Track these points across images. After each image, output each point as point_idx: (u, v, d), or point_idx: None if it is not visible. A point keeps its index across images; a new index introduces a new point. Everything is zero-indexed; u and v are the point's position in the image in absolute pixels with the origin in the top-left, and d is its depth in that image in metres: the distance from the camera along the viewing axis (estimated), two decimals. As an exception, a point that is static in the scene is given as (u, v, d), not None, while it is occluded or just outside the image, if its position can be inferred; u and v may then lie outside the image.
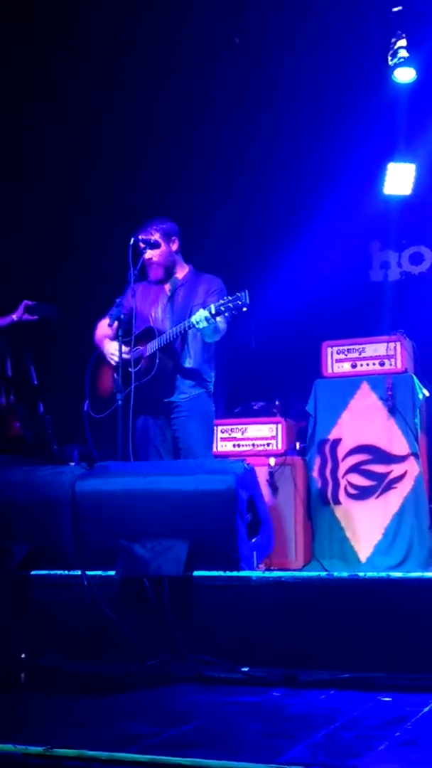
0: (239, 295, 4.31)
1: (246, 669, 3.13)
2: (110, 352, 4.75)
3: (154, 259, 4.78)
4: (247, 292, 4.33)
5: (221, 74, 6.88)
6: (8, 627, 3.53)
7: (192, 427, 4.67)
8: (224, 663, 3.14)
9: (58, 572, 3.61)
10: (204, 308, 4.40)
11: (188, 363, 4.72)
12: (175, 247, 4.85)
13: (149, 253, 4.75)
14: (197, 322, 4.39)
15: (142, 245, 4.68)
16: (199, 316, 4.38)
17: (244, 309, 4.33)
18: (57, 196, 7.00)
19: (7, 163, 6.50)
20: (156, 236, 4.76)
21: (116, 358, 4.62)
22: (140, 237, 4.70)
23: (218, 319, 4.43)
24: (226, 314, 4.40)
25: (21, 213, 6.70)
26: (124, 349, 4.54)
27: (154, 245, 4.74)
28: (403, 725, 2.34)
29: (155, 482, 3.68)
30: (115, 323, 4.58)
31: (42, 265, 6.94)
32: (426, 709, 2.54)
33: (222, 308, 4.33)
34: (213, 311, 4.35)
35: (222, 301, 4.35)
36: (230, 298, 4.34)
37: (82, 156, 6.91)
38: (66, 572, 3.59)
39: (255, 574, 3.39)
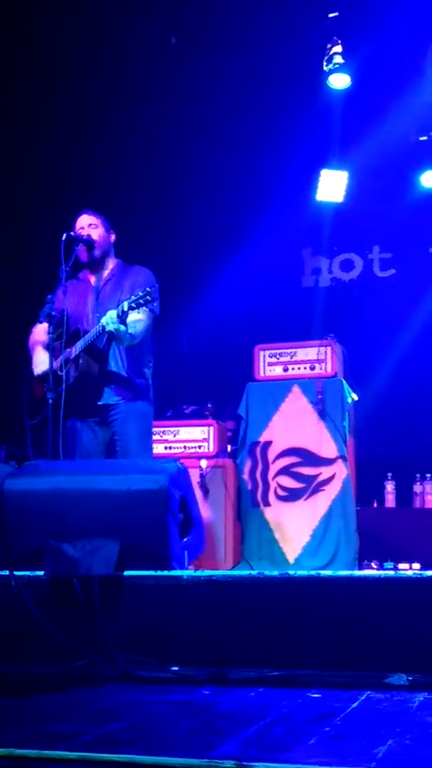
0: (149, 290, 4.28)
1: (176, 668, 3.12)
2: (37, 362, 4.68)
3: (95, 237, 4.73)
4: (157, 287, 4.42)
5: (157, 74, 6.87)
6: None
7: (129, 428, 4.61)
8: (153, 662, 3.12)
9: (-15, 572, 3.53)
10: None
11: (118, 362, 4.61)
12: (112, 238, 4.84)
13: (91, 231, 4.72)
14: (106, 324, 4.34)
15: (83, 224, 4.71)
16: (108, 317, 4.34)
17: (155, 303, 4.37)
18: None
19: None
20: (98, 221, 4.77)
21: (40, 369, 4.60)
22: (84, 213, 4.74)
23: (137, 316, 4.39)
24: (138, 310, 4.33)
25: None
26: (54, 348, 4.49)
27: (95, 227, 4.75)
28: (332, 720, 2.35)
29: (86, 481, 3.64)
30: (45, 322, 4.52)
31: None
32: (354, 705, 2.56)
33: (133, 304, 4.28)
34: (125, 308, 4.30)
35: (133, 297, 4.30)
36: (140, 293, 4.29)
37: (15, 147, 6.81)
38: (-7, 572, 3.52)
39: (186, 573, 3.37)
